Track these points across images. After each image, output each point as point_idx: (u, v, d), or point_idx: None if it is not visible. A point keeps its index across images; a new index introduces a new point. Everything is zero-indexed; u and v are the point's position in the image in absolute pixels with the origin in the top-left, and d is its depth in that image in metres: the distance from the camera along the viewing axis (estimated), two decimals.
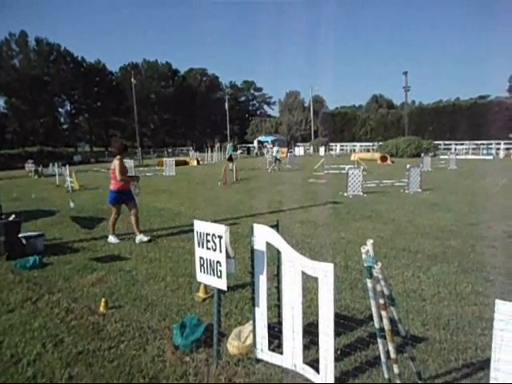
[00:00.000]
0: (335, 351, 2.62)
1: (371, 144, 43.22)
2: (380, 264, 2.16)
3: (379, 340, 2.35)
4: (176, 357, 3.04)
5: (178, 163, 24.39)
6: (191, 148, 47.32)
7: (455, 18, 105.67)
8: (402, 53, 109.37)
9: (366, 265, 2.19)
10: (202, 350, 3.11)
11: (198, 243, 2.95)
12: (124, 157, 6.61)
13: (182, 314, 3.80)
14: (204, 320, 3.54)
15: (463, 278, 4.58)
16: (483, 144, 36.48)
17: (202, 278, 2.99)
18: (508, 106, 44.46)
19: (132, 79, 37.50)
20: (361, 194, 11.33)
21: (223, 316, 3.75)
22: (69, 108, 64.77)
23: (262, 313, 2.86)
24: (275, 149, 23.85)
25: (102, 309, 3.87)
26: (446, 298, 4.01)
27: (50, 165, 23.53)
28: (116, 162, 6.37)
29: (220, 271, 2.81)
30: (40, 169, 24.79)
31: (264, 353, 2.88)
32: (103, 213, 9.28)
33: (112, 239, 6.56)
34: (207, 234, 2.86)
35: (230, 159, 17.81)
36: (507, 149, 33.29)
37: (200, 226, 2.93)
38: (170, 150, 53.30)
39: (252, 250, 2.86)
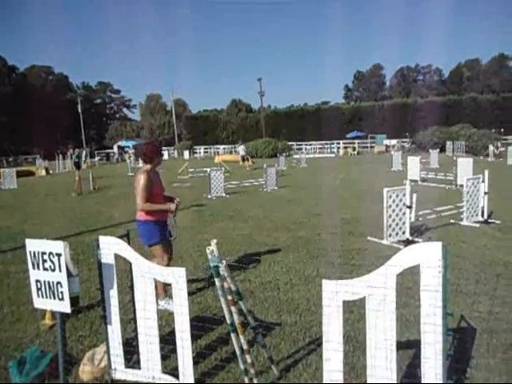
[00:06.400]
0: (194, 354, 2.64)
1: (233, 146, 45.12)
2: (225, 262, 2.25)
3: (232, 334, 2.46)
4: None
5: (20, 174, 21.19)
6: (38, 156, 41.61)
7: (300, 33, 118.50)
8: (257, 60, 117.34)
9: (212, 264, 2.25)
10: None
11: (33, 265, 2.60)
12: (155, 167, 4.16)
13: (24, 347, 3.31)
14: (51, 350, 3.14)
15: (310, 263, 5.15)
16: (327, 144, 41.86)
17: (41, 303, 2.65)
18: (344, 110, 51.99)
19: None
20: (223, 195, 11.72)
21: (75, 340, 3.41)
22: None
23: (114, 330, 2.68)
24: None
25: None
26: (296, 284, 4.45)
27: None
28: (139, 178, 3.86)
29: (61, 293, 2.53)
30: None
31: (120, 371, 2.71)
32: None
33: (166, 305, 3.88)
34: (43, 253, 2.54)
35: (78, 166, 16.21)
36: (345, 147, 38.93)
37: (34, 245, 2.58)
38: (10, 159, 45.84)
39: (99, 265, 2.66)
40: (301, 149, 39.94)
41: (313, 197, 10.93)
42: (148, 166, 4.04)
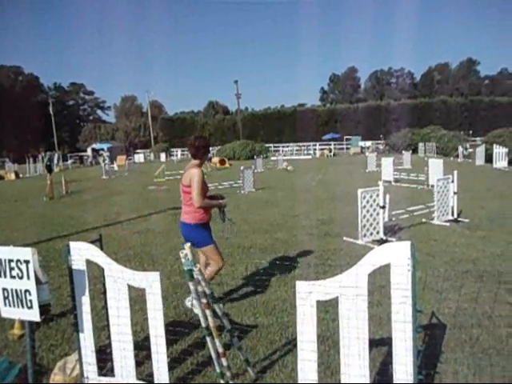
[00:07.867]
0: (169, 359, 2.61)
1: (210, 148, 44.96)
2: (198, 266, 2.24)
3: (207, 338, 2.45)
4: None
5: None
6: (7, 159, 40.08)
7: (276, 35, 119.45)
8: (233, 62, 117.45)
9: (186, 268, 2.24)
10: None
11: (0, 273, 2.51)
12: (203, 162, 3.99)
13: None
14: (21, 360, 3.04)
15: (287, 265, 5.18)
16: (304, 145, 42.29)
17: (9, 312, 2.56)
18: (320, 113, 52.73)
19: None
20: None
21: (46, 350, 3.32)
22: None
23: (86, 337, 2.62)
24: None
25: None
26: (273, 286, 4.47)
27: None
28: (194, 173, 3.69)
29: (30, 301, 2.45)
30: None
31: (92, 379, 2.65)
32: None
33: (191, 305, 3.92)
34: (10, 261, 2.46)
35: (49, 170, 15.71)
36: (322, 149, 39.46)
37: (0, 253, 2.50)
38: None
39: (70, 271, 2.60)
40: (278, 151, 40.15)
41: (290, 198, 11.01)
42: (197, 162, 3.87)
